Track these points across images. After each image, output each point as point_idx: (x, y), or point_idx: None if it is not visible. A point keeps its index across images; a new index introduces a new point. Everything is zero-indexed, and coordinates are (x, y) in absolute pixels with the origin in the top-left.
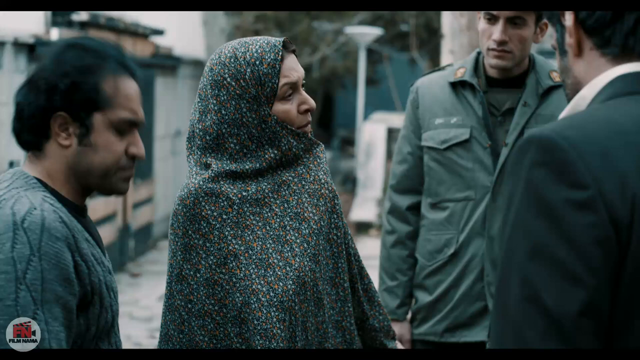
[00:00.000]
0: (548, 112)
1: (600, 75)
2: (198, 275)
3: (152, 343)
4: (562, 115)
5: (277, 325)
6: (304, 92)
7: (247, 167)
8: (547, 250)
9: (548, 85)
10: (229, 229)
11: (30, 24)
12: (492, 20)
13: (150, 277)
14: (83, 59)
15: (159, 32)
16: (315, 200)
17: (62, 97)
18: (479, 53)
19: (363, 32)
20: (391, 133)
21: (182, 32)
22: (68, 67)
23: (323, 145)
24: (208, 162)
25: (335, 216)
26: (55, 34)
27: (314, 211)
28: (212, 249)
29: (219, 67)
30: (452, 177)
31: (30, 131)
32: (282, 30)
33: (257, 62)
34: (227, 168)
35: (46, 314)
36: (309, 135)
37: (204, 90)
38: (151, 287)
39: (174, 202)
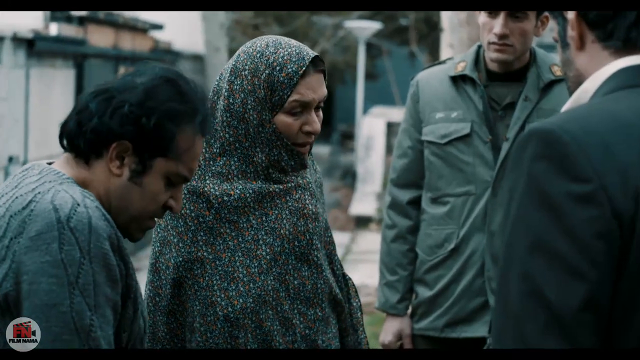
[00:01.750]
0: (549, 107)
1: (602, 69)
2: (168, 272)
3: None
4: (564, 108)
5: (229, 341)
6: (314, 114)
7: (233, 164)
8: (549, 244)
9: (549, 79)
10: (202, 233)
11: (29, 18)
12: (492, 13)
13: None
14: (175, 103)
15: (158, 27)
16: (295, 220)
17: (136, 131)
18: (479, 47)
19: (362, 27)
20: (391, 127)
21: (181, 27)
22: (157, 105)
23: (315, 170)
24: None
25: (315, 238)
26: (54, 29)
27: (291, 229)
28: (182, 250)
29: (245, 56)
30: (453, 172)
31: (86, 143)
32: (281, 24)
33: (278, 69)
34: (214, 168)
35: (100, 319)
36: (303, 156)
37: (225, 72)
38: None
39: None
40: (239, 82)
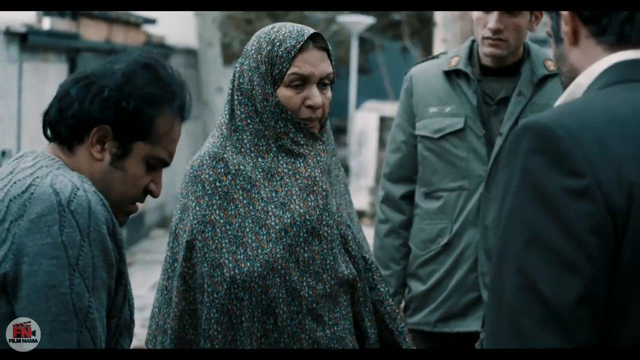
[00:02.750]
0: (543, 101)
1: (596, 63)
2: (184, 236)
3: (143, 332)
4: (558, 102)
5: (234, 303)
6: (315, 89)
7: (245, 139)
8: (544, 239)
9: (543, 74)
10: (217, 197)
11: (22, 13)
12: None
13: (143, 266)
14: (153, 87)
15: (151, 22)
16: (305, 195)
17: (116, 115)
18: (473, 41)
19: (355, 21)
20: (383, 122)
21: (174, 21)
22: (136, 90)
23: (328, 145)
24: (224, 121)
25: (326, 214)
26: (47, 23)
27: (301, 204)
28: (198, 213)
29: (254, 39)
30: (446, 167)
31: (68, 129)
32: (274, 19)
33: (277, 44)
34: (234, 137)
35: (96, 301)
36: (310, 128)
37: (241, 55)
38: (144, 276)
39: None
40: (246, 62)
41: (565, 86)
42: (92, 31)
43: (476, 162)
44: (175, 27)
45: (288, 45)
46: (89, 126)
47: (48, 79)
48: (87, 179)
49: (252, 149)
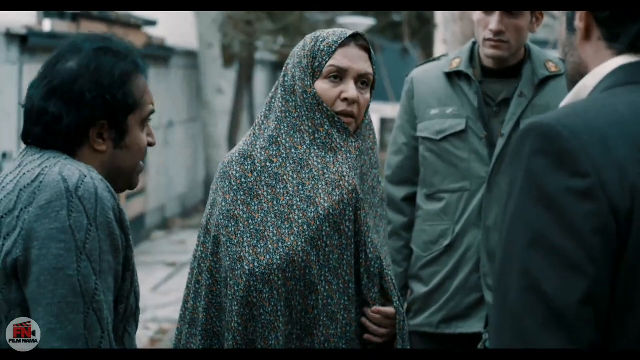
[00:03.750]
0: (544, 102)
1: (603, 65)
2: (212, 230)
3: (145, 334)
4: (564, 103)
5: (254, 295)
6: (352, 83)
7: (283, 129)
8: (547, 240)
9: (544, 76)
10: (242, 193)
11: (22, 15)
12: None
13: (143, 268)
14: (118, 66)
15: (151, 23)
16: (331, 190)
17: (105, 109)
18: (474, 43)
19: (355, 22)
20: (384, 123)
21: (174, 23)
22: (109, 78)
23: (363, 144)
24: (258, 122)
25: (350, 209)
26: (47, 25)
27: (326, 198)
28: (224, 208)
29: (301, 42)
30: (448, 168)
31: (66, 142)
32: (274, 20)
33: (321, 40)
34: (266, 132)
35: (103, 285)
36: (344, 124)
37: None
38: (144, 278)
39: (165, 194)
40: (291, 61)
41: (569, 76)
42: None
43: (478, 164)
44: (175, 29)
45: (330, 40)
46: (85, 129)
47: None
48: (94, 168)
49: (288, 139)
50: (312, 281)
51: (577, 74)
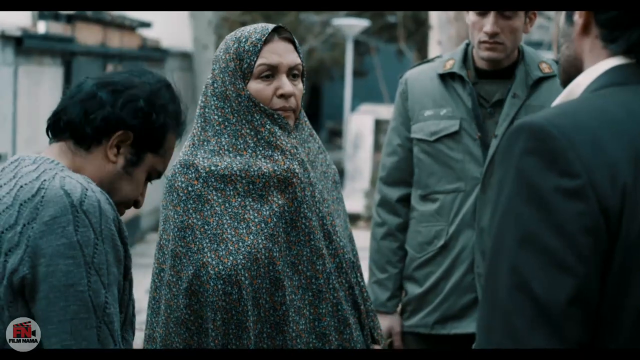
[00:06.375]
0: (537, 103)
1: (597, 65)
2: (169, 245)
3: (139, 336)
4: (556, 102)
5: (223, 298)
6: (285, 78)
7: (224, 141)
8: (537, 239)
9: (537, 77)
10: (191, 201)
11: (17, 16)
12: (482, 12)
13: (138, 270)
14: (174, 105)
15: (146, 25)
16: (283, 187)
17: (143, 125)
18: (467, 44)
19: (350, 24)
20: (379, 125)
21: (169, 25)
22: (165, 105)
23: (306, 137)
24: (196, 132)
25: (305, 206)
26: (42, 27)
27: (279, 196)
28: (177, 220)
29: (221, 44)
30: (442, 169)
31: (95, 130)
32: (269, 22)
33: (244, 40)
34: (207, 146)
35: (111, 297)
36: (285, 119)
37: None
38: (139, 280)
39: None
40: (217, 66)
41: (563, 66)
42: (87, 35)
43: (472, 164)
44: (170, 30)
45: (254, 39)
46: (114, 129)
47: (43, 82)
48: (90, 179)
49: (230, 149)
50: (277, 277)
51: (570, 67)
